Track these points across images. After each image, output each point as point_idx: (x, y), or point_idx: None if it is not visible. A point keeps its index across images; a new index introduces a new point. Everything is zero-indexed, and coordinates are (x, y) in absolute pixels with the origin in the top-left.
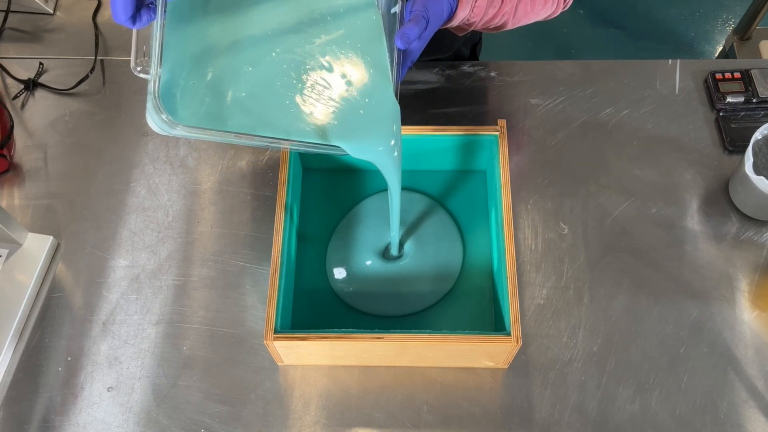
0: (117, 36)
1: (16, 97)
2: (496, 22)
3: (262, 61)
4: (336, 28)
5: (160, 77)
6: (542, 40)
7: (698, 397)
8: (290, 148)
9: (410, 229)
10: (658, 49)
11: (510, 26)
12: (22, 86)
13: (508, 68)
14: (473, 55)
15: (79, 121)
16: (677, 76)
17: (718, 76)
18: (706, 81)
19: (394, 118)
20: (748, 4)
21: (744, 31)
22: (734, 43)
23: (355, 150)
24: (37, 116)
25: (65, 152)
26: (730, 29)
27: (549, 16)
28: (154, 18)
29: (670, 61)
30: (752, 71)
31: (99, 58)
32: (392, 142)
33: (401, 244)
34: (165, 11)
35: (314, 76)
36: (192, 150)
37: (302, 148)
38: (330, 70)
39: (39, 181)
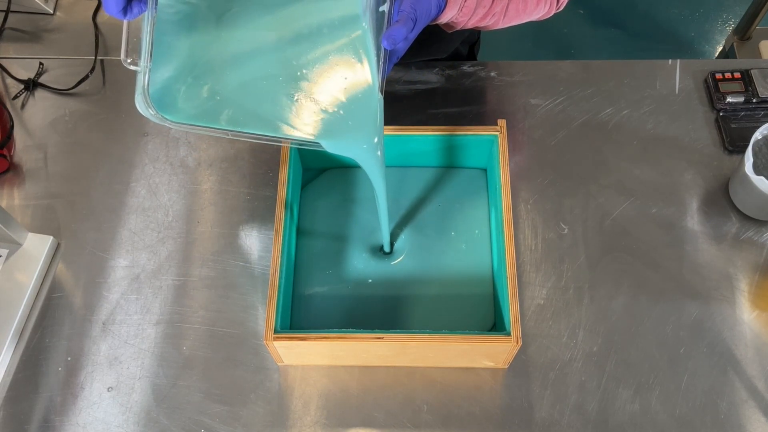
0: (117, 36)
1: (16, 97)
2: (486, 22)
3: (251, 62)
4: (324, 31)
5: (150, 70)
6: (542, 40)
7: (698, 397)
8: (280, 144)
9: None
10: (658, 49)
11: (501, 26)
12: (22, 86)
13: (508, 68)
14: (471, 55)
15: (79, 121)
16: (677, 76)
17: (718, 76)
18: (706, 81)
19: (378, 116)
20: (748, 4)
21: (744, 31)
22: (734, 43)
23: (339, 147)
24: (37, 116)
25: (65, 152)
26: (730, 29)
27: (542, 16)
28: (145, 10)
29: (670, 61)
30: (752, 71)
31: (99, 58)
32: (375, 140)
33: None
34: (155, 4)
35: (300, 77)
36: (192, 150)
37: (290, 144)
38: (316, 70)
39: (39, 181)
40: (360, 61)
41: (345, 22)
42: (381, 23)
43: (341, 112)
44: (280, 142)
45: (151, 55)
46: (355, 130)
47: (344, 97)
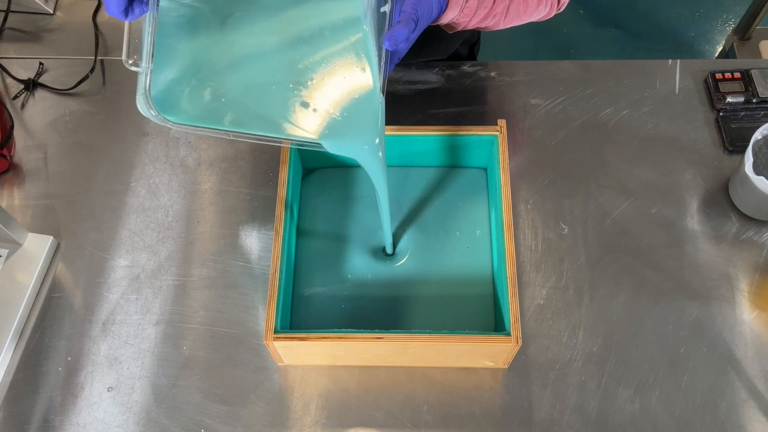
0: (117, 36)
1: (16, 97)
2: (487, 22)
3: (255, 65)
4: (326, 33)
5: (151, 71)
6: (542, 40)
7: (698, 397)
8: (281, 144)
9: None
10: (658, 49)
11: (502, 26)
12: (22, 86)
13: (508, 68)
14: (471, 55)
15: (79, 121)
16: (677, 76)
17: (718, 76)
18: (706, 81)
19: (379, 117)
20: (748, 4)
21: (744, 31)
22: (734, 43)
23: (340, 148)
24: (37, 116)
25: (65, 152)
26: (730, 29)
27: (543, 17)
28: (146, 11)
29: (670, 61)
30: (752, 71)
31: (99, 58)
32: (377, 141)
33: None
34: (157, 5)
35: (303, 79)
36: (192, 150)
37: (291, 145)
38: (319, 72)
39: (39, 181)
40: (361, 62)
41: (346, 25)
42: (382, 24)
43: (343, 113)
44: (282, 142)
45: (152, 57)
46: (356, 130)
47: (346, 98)
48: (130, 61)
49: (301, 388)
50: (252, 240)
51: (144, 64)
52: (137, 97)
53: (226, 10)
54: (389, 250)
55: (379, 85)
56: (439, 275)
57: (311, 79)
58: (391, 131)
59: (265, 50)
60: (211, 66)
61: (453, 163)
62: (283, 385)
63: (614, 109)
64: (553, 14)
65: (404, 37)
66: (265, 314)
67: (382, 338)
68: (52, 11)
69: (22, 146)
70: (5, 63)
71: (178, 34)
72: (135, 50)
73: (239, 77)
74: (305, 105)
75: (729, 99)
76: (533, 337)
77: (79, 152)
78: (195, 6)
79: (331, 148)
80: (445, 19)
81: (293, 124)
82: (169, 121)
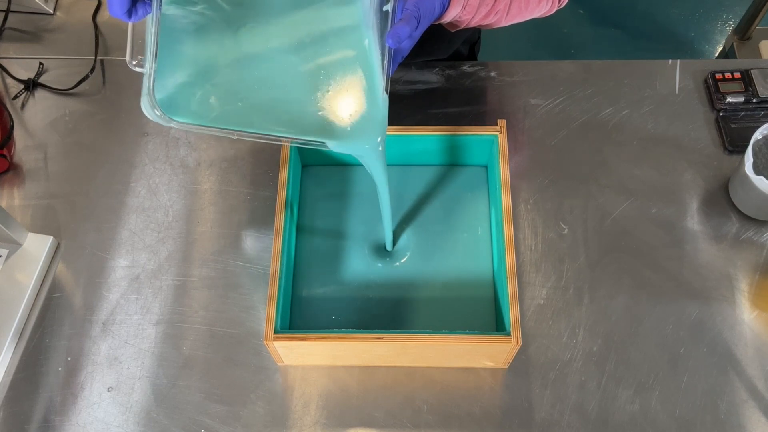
0: (117, 36)
1: (16, 97)
2: (489, 20)
3: (266, 69)
4: (331, 36)
5: (155, 71)
6: (542, 40)
7: (698, 397)
8: (284, 143)
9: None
10: (658, 49)
11: (504, 24)
12: (22, 86)
13: (508, 68)
14: (472, 55)
15: (79, 121)
16: (677, 76)
17: (718, 76)
18: (706, 81)
19: (382, 116)
20: (748, 4)
21: (744, 31)
22: (734, 43)
23: (343, 147)
24: (37, 116)
25: (65, 152)
26: (730, 29)
27: (544, 14)
28: (150, 12)
29: (670, 61)
30: (752, 71)
31: (99, 58)
32: (379, 139)
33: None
34: (160, 5)
35: (310, 80)
36: (192, 150)
37: (292, 143)
38: (325, 73)
39: (39, 181)
40: (364, 62)
41: (349, 27)
42: (385, 23)
43: (347, 112)
44: (284, 141)
45: (155, 57)
46: (360, 129)
47: (350, 97)
48: (134, 62)
49: (301, 388)
50: (252, 240)
51: (148, 65)
52: (142, 97)
53: (239, 21)
54: (389, 247)
55: (382, 84)
56: (439, 275)
57: (316, 80)
58: (391, 131)
59: (274, 55)
60: (224, 71)
61: (453, 163)
62: (283, 385)
63: (614, 109)
64: (554, 10)
65: (407, 35)
66: (265, 314)
67: (382, 338)
68: (52, 11)
69: (22, 146)
70: (5, 63)
71: (188, 39)
72: (138, 51)
73: (250, 81)
74: (310, 105)
75: (729, 99)
76: (533, 337)
77: (79, 152)
78: (206, 14)
79: (335, 146)
80: (448, 17)
81: (297, 124)
82: (173, 120)
